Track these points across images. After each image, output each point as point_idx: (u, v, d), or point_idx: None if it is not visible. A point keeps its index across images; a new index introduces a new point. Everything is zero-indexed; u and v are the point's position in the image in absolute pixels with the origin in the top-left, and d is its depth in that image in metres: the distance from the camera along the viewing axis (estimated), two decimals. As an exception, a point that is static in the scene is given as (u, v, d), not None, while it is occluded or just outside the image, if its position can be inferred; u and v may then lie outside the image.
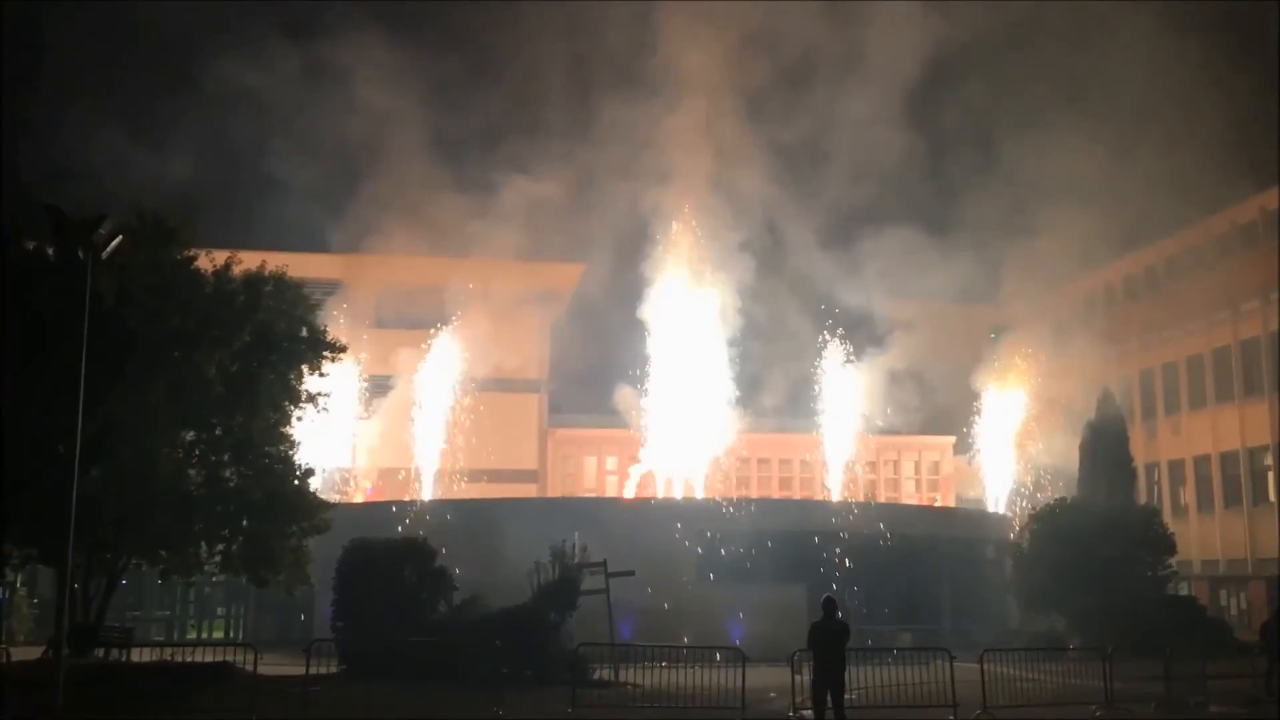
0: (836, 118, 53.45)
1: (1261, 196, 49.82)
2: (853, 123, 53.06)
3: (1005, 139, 54.38)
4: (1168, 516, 45.93)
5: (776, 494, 58.12)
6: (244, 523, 26.84)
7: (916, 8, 52.94)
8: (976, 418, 53.99)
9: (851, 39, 53.64)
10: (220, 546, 27.09)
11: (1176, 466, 55.83)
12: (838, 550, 38.24)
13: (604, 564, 29.40)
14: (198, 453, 27.14)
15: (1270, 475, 49.61)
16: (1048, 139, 52.86)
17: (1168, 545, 38.66)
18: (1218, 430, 52.53)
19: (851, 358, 50.99)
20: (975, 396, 54.02)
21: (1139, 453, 46.14)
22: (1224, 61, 49.21)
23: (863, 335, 53.25)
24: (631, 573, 30.25)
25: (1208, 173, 47.52)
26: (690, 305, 49.12)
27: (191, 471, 27.03)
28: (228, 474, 27.29)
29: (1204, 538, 51.82)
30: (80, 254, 20.36)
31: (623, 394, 50.62)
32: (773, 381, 52.61)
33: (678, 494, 47.04)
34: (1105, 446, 41.60)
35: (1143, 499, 47.92)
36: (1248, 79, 48.91)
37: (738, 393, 50.05)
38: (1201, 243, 54.09)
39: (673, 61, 50.75)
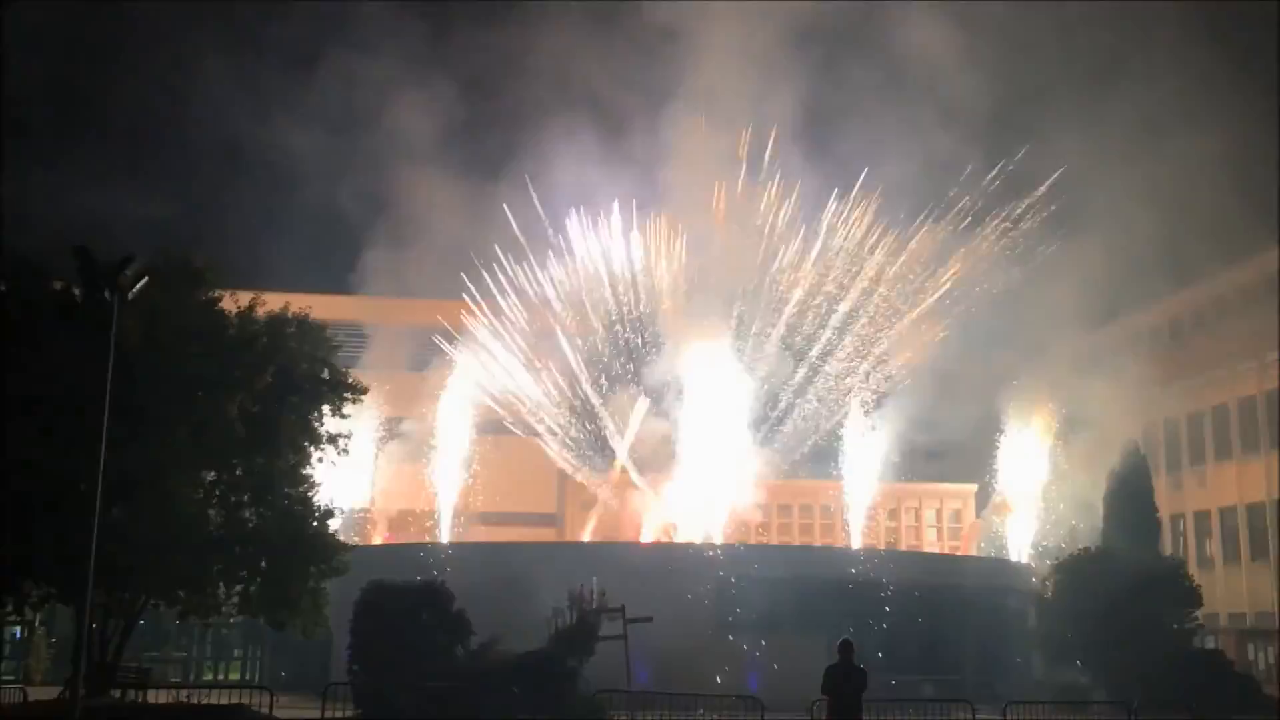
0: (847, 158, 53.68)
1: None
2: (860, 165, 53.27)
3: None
4: (1193, 568, 45.30)
5: (797, 541, 57.75)
6: (262, 564, 26.83)
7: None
8: (998, 466, 53.58)
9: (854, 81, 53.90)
10: (238, 588, 27.07)
11: (1202, 518, 55.18)
12: (858, 598, 37.86)
13: (622, 609, 29.23)
14: (218, 493, 27.20)
15: (1299, 528, 48.98)
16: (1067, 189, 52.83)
17: (1194, 598, 38.09)
18: (1244, 482, 51.94)
19: (872, 405, 50.87)
20: (997, 445, 53.66)
21: (1164, 504, 45.59)
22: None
23: (884, 382, 53.12)
24: (649, 618, 30.03)
25: (1230, 224, 47.35)
26: (708, 350, 49.24)
27: (211, 512, 27.09)
28: (247, 515, 27.32)
29: (1230, 590, 51.07)
30: (106, 295, 20.55)
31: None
32: (794, 427, 52.45)
33: (697, 539, 46.79)
34: (1130, 497, 41.10)
35: (1168, 550, 47.32)
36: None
37: (759, 439, 50.04)
38: (1226, 292, 53.83)
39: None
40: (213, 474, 27.19)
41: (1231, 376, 52.69)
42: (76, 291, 25.52)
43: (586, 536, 51.89)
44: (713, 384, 48.60)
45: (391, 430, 50.26)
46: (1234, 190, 46.94)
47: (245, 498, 27.43)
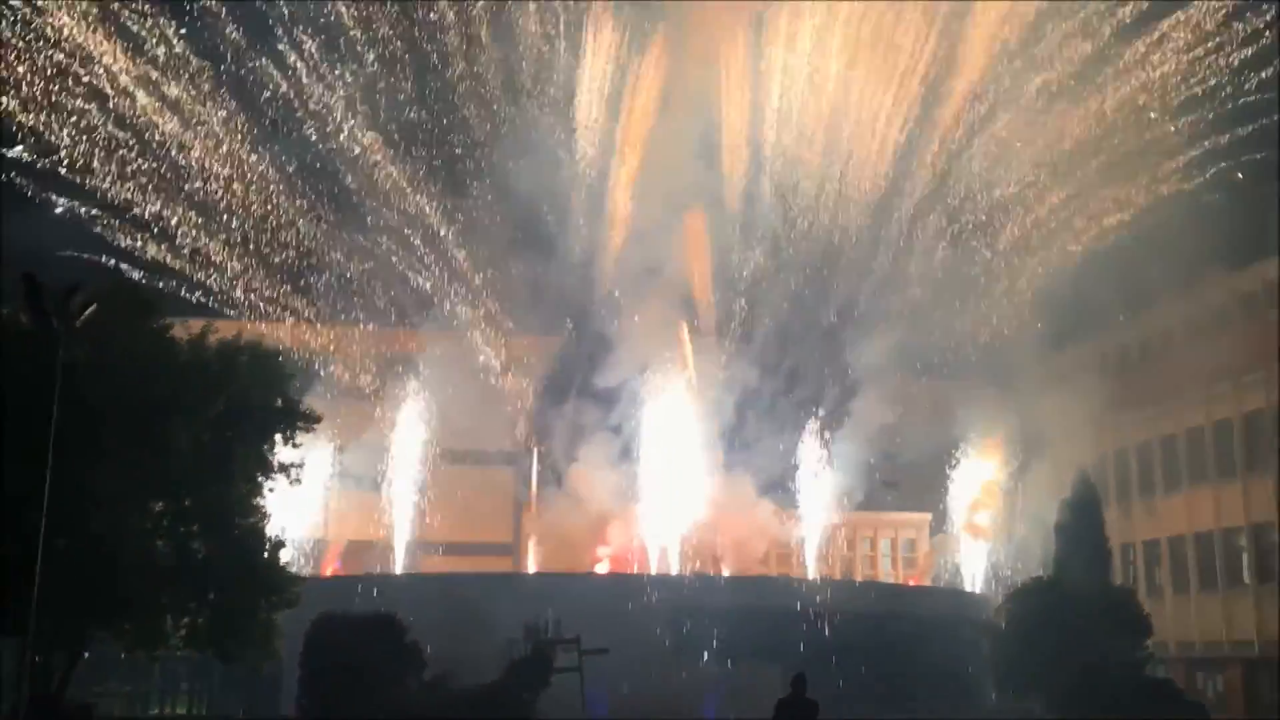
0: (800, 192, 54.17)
1: (1231, 279, 50.55)
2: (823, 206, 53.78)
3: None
4: (1143, 597, 45.79)
5: (753, 570, 57.73)
6: (211, 596, 26.38)
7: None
8: (952, 496, 54.05)
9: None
10: (186, 620, 26.59)
11: (1152, 547, 55.82)
12: (814, 629, 37.90)
13: (577, 641, 29.07)
14: (166, 523, 26.74)
15: (1245, 557, 49.64)
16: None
17: (1145, 627, 38.49)
18: (1192, 511, 52.62)
19: (828, 434, 51.21)
20: (950, 475, 54.14)
21: (1115, 533, 46.05)
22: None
23: (839, 410, 53.52)
24: (605, 650, 29.89)
25: (1179, 255, 48.17)
26: (668, 380, 49.42)
27: (160, 543, 26.61)
28: (196, 545, 26.86)
29: (1180, 619, 51.64)
30: (54, 323, 20.25)
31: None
32: (748, 457, 52.66)
33: (653, 570, 46.67)
34: (1081, 526, 41.47)
35: (1119, 579, 47.80)
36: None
37: (714, 467, 50.14)
38: (1173, 324, 54.73)
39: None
40: (161, 503, 26.73)
41: (1180, 407, 53.45)
42: (24, 318, 25.08)
43: (530, 561, 51.68)
44: (672, 400, 48.81)
45: (345, 459, 49.77)
46: (1183, 224, 47.82)
47: (195, 528, 26.97)
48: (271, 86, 47.92)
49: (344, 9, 49.08)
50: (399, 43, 50.38)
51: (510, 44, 52.05)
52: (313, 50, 48.77)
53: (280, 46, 48.04)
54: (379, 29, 49.95)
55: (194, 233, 47.32)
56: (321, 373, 47.97)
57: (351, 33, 49.30)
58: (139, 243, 45.59)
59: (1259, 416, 48.99)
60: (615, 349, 52.18)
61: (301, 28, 48.43)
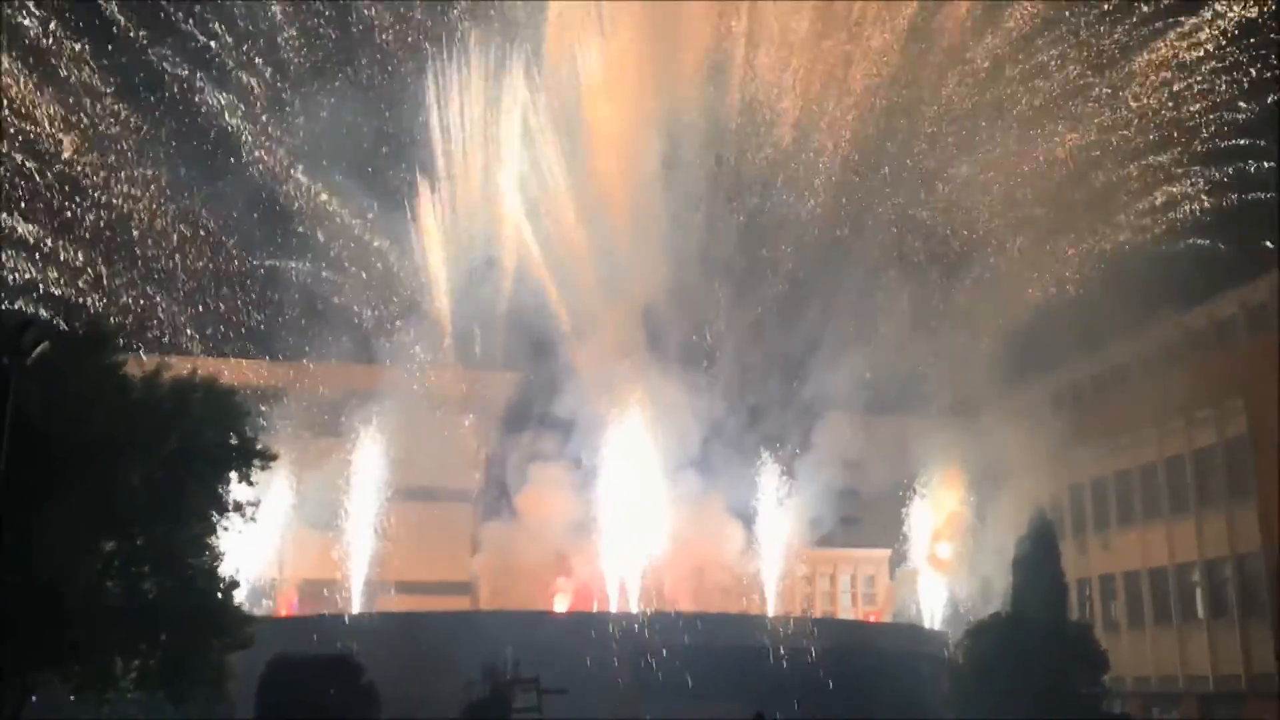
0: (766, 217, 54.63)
1: (1182, 317, 51.32)
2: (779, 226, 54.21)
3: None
4: (1100, 632, 46.15)
5: (713, 607, 57.49)
6: (163, 637, 25.89)
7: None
8: (912, 531, 54.25)
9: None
10: (137, 661, 26.06)
11: (1108, 582, 56.25)
12: (774, 665, 37.81)
13: (536, 681, 28.81)
14: (117, 563, 26.24)
15: (1199, 592, 50.15)
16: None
17: (1102, 662, 38.75)
18: (1147, 547, 53.14)
19: (788, 470, 51.28)
20: (910, 510, 54.36)
21: (1071, 568, 46.50)
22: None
23: (799, 445, 53.67)
24: (564, 690, 29.63)
25: (1134, 292, 48.95)
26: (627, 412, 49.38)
27: (110, 583, 26.10)
28: (148, 586, 26.37)
29: (1136, 654, 51.99)
30: (4, 360, 19.94)
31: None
32: (708, 492, 52.57)
33: (613, 606, 46.38)
34: (1038, 562, 41.82)
35: (1075, 614, 48.13)
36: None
37: (674, 501, 49.99)
38: (1127, 360, 55.42)
39: None
40: (112, 543, 26.24)
41: (1134, 443, 54.07)
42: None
43: (484, 597, 51.21)
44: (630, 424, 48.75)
45: (301, 497, 49.21)
46: (1137, 264, 48.69)
47: (146, 568, 26.48)
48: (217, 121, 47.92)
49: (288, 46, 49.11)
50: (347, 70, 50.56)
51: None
52: (255, 84, 48.77)
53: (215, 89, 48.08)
54: (323, 56, 50.05)
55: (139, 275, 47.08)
56: (277, 409, 47.42)
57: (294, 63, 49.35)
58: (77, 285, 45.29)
59: (1210, 453, 49.73)
60: (573, 380, 52.10)
61: (246, 57, 48.52)
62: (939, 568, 53.90)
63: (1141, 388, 53.38)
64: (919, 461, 54.58)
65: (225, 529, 27.65)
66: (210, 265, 49.25)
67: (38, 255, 44.10)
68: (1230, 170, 47.90)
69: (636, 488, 47.83)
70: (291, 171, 50.07)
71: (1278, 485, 44.01)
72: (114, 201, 46.18)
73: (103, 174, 45.89)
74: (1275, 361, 43.92)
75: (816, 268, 54.55)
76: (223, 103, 48.49)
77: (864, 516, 58.49)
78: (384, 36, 51.54)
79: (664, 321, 54.00)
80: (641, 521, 47.35)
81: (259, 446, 28.18)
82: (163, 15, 47.23)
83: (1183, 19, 48.63)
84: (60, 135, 43.98)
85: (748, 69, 53.26)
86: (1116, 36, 49.64)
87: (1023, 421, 53.63)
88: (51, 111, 43.86)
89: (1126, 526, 54.90)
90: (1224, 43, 47.44)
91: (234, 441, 27.81)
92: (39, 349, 20.73)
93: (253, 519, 28.37)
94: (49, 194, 44.29)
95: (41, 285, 43.69)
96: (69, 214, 44.74)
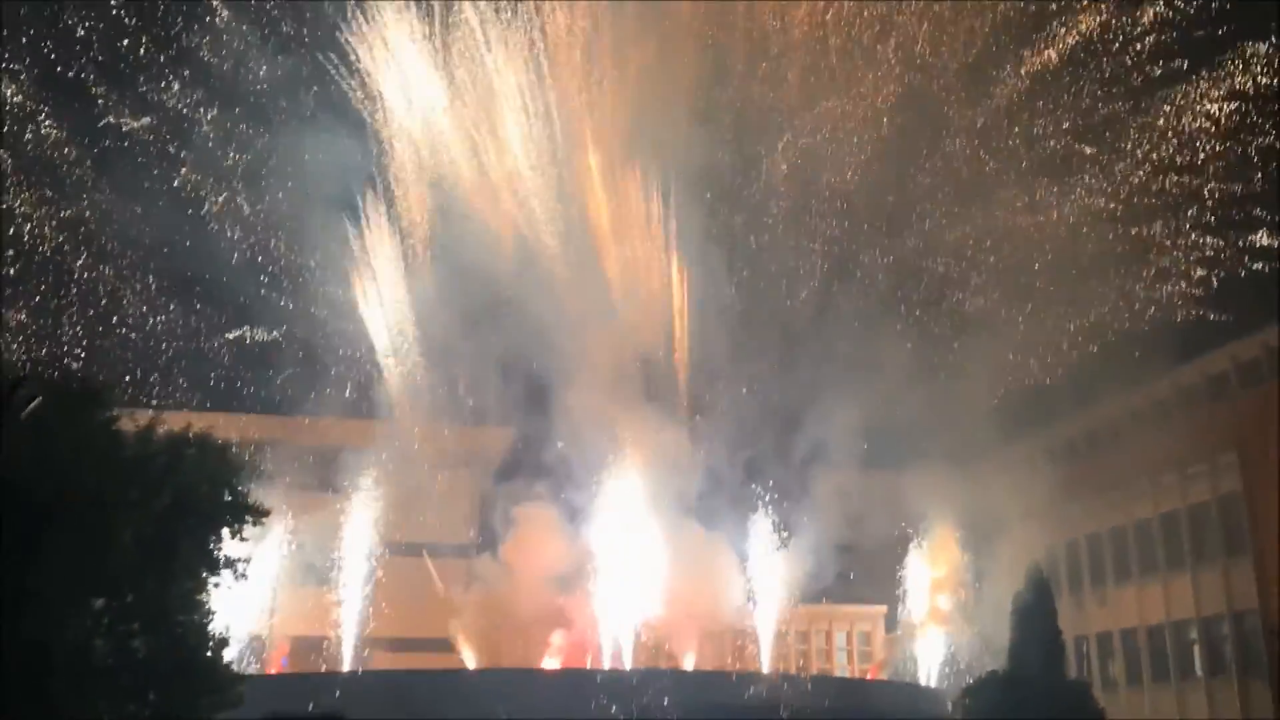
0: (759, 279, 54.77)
1: (1175, 373, 51.47)
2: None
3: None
4: (1098, 690, 45.70)
5: (707, 664, 56.95)
6: (151, 696, 25.54)
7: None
8: (908, 587, 53.93)
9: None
10: (125, 721, 25.69)
11: (1105, 639, 55.89)
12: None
13: (529, 741, 28.46)
14: (106, 622, 25.95)
15: (1196, 650, 49.80)
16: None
17: (1101, 721, 38.37)
18: (1144, 603, 52.86)
19: (783, 525, 51.07)
20: (906, 564, 54.09)
21: (1068, 624, 46.19)
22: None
23: (794, 499, 53.45)
24: (557, 750, 29.29)
25: (1126, 349, 49.16)
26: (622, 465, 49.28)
27: (99, 641, 25.79)
28: (137, 644, 26.05)
29: (1134, 713, 51.52)
30: (-2, 416, 19.89)
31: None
32: (702, 546, 52.23)
33: (606, 662, 45.94)
34: (1035, 619, 41.50)
35: (1073, 672, 47.73)
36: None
37: (669, 555, 49.68)
38: (1119, 416, 55.47)
39: None
40: (101, 601, 25.96)
41: (1129, 498, 54.00)
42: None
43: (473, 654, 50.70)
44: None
45: (293, 553, 48.86)
46: (1132, 318, 48.98)
47: (135, 626, 26.17)
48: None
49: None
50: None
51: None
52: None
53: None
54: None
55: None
56: (270, 464, 47.24)
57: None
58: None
59: (1205, 508, 49.66)
60: (568, 431, 51.94)
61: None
62: (938, 621, 53.49)
63: (1135, 443, 53.40)
64: (914, 515, 54.42)
65: (216, 585, 27.40)
66: (198, 320, 49.40)
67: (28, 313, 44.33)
68: (1229, 242, 48.27)
69: (630, 541, 47.58)
70: (275, 230, 50.23)
71: (1275, 541, 43.92)
72: (101, 266, 46.58)
73: (88, 235, 46.32)
74: (1268, 416, 44.05)
75: (813, 319, 54.68)
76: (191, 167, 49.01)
77: (859, 571, 58.17)
78: (354, 81, 51.73)
79: (659, 372, 53.97)
80: (635, 575, 47.05)
81: (252, 502, 27.99)
82: (129, 75, 47.88)
83: (1180, 87, 49.32)
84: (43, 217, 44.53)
85: (741, 125, 53.73)
86: (1112, 106, 50.30)
87: (1017, 475, 53.66)
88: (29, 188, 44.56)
89: (1123, 582, 54.65)
90: (1223, 113, 48.07)
91: (227, 497, 27.64)
92: (32, 406, 20.66)
93: (244, 575, 28.11)
94: (38, 258, 44.68)
95: (34, 343, 43.83)
96: (59, 275, 45.07)
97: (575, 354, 52.66)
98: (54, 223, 44.75)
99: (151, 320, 48.64)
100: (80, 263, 45.71)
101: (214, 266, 50.20)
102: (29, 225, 43.90)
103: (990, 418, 52.72)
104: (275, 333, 52.26)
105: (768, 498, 51.59)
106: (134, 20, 48.37)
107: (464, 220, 52.58)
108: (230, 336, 50.25)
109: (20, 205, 44.00)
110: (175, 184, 48.38)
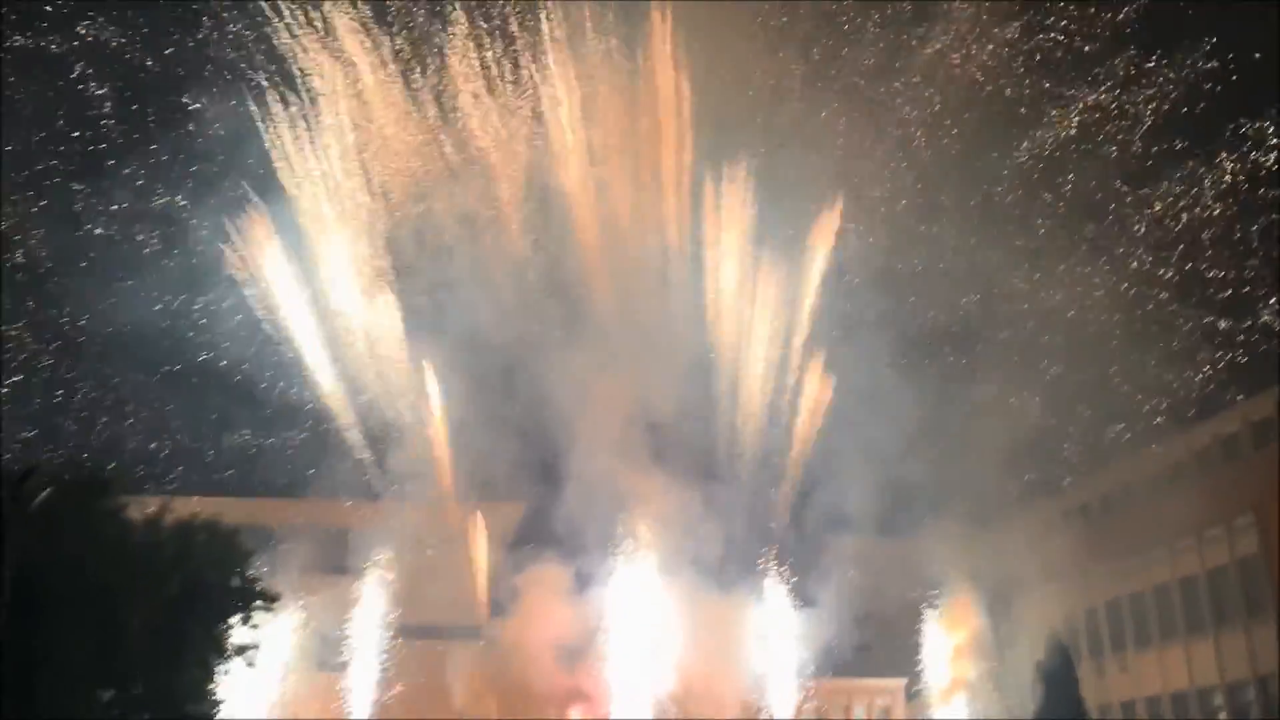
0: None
1: (1187, 434, 51.16)
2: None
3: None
4: (1125, 762, 44.87)
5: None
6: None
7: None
8: (926, 657, 53.19)
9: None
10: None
11: (1129, 708, 54.75)
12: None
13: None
14: (116, 714, 25.71)
15: (1222, 717, 48.81)
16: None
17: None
18: (1166, 669, 51.92)
19: (798, 596, 50.58)
20: (924, 634, 53.42)
21: (1091, 693, 45.45)
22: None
23: (808, 569, 52.95)
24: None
25: (1138, 412, 49.05)
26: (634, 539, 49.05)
27: (109, 734, 25.54)
28: (146, 735, 25.81)
29: (1163, 784, 50.41)
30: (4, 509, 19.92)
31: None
32: (715, 619, 51.67)
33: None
34: (1058, 689, 40.94)
35: (1099, 743, 46.85)
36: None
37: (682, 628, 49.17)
38: (1133, 480, 55.00)
39: None
40: (111, 692, 25.76)
41: (1147, 563, 53.30)
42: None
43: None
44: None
45: (303, 637, 48.41)
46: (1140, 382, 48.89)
47: (145, 717, 25.96)
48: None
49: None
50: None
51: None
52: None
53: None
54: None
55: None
56: (280, 548, 47.05)
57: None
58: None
59: (1224, 572, 48.97)
60: (577, 504, 51.60)
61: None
62: (961, 690, 52.56)
63: (1150, 507, 52.87)
64: (931, 581, 53.79)
65: (226, 673, 27.22)
66: (211, 405, 49.63)
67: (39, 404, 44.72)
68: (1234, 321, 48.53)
69: (643, 613, 47.22)
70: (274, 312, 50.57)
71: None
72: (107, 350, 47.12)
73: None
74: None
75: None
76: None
77: (878, 641, 57.32)
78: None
79: (669, 439, 53.72)
80: (649, 649, 46.59)
81: (261, 588, 27.92)
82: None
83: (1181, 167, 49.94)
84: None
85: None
86: (1112, 187, 50.88)
87: (1033, 541, 53.17)
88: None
89: (1144, 649, 53.69)
90: (1224, 194, 48.60)
91: (236, 583, 27.57)
92: (41, 496, 20.70)
93: (252, 663, 27.96)
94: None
95: (44, 432, 44.13)
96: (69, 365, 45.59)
97: (584, 421, 52.53)
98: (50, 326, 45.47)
99: (158, 407, 48.85)
100: (83, 354, 46.17)
101: (220, 354, 50.47)
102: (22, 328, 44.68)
103: (1005, 481, 52.36)
104: (285, 417, 52.36)
105: (783, 567, 51.14)
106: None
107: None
108: (239, 427, 50.38)
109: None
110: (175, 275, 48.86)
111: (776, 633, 50.11)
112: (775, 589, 50.88)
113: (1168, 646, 51.92)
